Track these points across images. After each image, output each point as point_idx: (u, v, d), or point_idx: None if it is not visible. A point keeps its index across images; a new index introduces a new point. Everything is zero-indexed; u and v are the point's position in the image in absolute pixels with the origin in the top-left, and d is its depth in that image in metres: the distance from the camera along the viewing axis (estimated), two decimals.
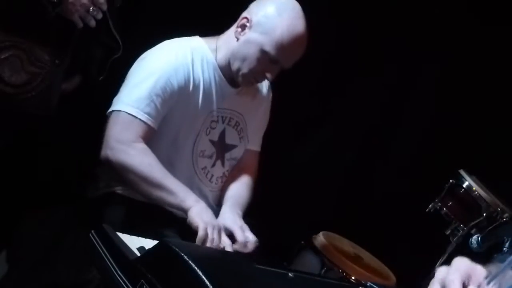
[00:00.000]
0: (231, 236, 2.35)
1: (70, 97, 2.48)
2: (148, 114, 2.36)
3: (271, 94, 2.77)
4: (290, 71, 2.52)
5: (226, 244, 2.25)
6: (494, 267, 1.46)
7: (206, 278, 1.74)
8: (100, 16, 2.31)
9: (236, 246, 2.33)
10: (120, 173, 2.36)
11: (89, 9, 2.29)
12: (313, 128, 3.68)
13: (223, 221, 2.42)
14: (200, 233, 2.22)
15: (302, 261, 2.98)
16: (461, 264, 1.48)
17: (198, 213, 2.29)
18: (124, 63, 2.53)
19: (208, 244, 2.22)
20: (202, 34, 2.55)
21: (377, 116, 3.82)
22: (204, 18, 2.89)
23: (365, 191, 3.82)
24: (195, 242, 2.24)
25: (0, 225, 2.64)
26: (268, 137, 2.82)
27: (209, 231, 2.25)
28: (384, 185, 3.79)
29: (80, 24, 2.30)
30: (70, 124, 2.61)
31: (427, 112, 3.77)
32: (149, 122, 2.36)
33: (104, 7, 2.31)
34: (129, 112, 2.34)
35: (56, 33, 2.32)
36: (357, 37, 3.52)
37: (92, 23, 2.30)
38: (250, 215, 2.59)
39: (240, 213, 2.51)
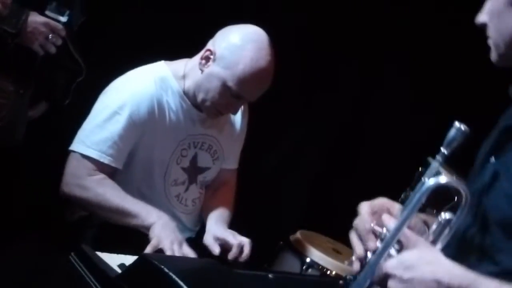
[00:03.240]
0: (224, 249, 2.39)
1: (38, 123, 2.53)
2: (110, 155, 2.37)
3: (247, 108, 2.74)
4: None
5: (188, 254, 2.28)
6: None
7: (187, 286, 1.76)
8: (59, 42, 2.34)
9: (233, 252, 2.37)
10: (80, 206, 2.41)
11: (48, 36, 2.33)
12: (283, 133, 3.72)
13: (214, 233, 2.46)
14: (152, 243, 2.25)
15: (282, 262, 2.99)
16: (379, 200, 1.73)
17: (159, 229, 2.32)
18: (90, 84, 2.56)
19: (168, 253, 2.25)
20: (167, 56, 2.55)
21: (346, 116, 3.86)
22: (168, 37, 2.95)
23: (338, 187, 3.83)
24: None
25: None
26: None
27: (166, 243, 2.27)
28: (356, 181, 3.78)
29: (41, 52, 2.34)
30: (41, 150, 2.65)
31: (393, 110, 3.80)
32: (112, 163, 2.38)
33: (63, 33, 2.35)
34: (90, 155, 2.35)
35: (17, 63, 2.36)
36: (318, 45, 3.56)
37: (53, 50, 2.33)
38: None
39: (226, 226, 2.55)
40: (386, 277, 1.50)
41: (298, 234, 3.00)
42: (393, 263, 1.50)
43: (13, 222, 2.70)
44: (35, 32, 2.31)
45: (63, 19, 2.38)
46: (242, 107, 2.62)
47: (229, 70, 2.34)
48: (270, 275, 2.19)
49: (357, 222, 1.67)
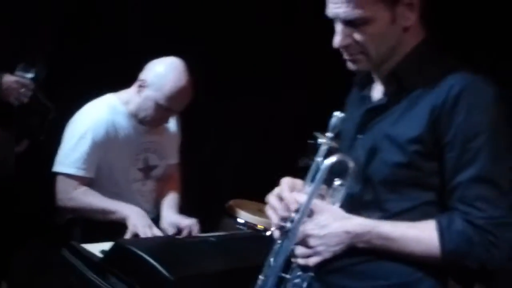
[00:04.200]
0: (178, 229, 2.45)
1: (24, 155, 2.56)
2: (84, 169, 2.40)
3: (177, 116, 2.74)
4: None
5: (157, 234, 2.36)
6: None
7: (151, 258, 1.89)
8: (30, 94, 2.38)
9: (184, 233, 2.42)
10: (73, 213, 2.46)
11: (20, 90, 2.38)
12: (211, 128, 3.72)
13: (168, 219, 2.50)
14: (130, 229, 2.34)
15: (222, 226, 2.97)
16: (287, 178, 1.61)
17: (134, 219, 2.38)
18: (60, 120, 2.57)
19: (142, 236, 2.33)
20: (111, 89, 2.60)
21: (256, 110, 3.78)
22: (107, 75, 2.92)
23: (257, 166, 3.77)
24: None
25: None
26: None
27: (140, 229, 2.33)
28: (268, 159, 3.74)
29: (16, 103, 2.38)
30: (29, 174, 2.66)
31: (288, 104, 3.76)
32: (87, 175, 2.41)
33: (32, 87, 2.39)
34: (69, 172, 2.38)
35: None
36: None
37: (25, 100, 2.38)
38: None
39: (176, 211, 2.60)
40: (306, 237, 1.49)
41: (230, 202, 3.03)
42: (310, 226, 1.49)
43: (16, 231, 2.68)
44: (9, 89, 2.35)
45: (30, 75, 2.40)
46: (174, 118, 2.68)
47: (159, 92, 2.38)
48: (212, 238, 2.30)
49: (271, 198, 1.58)
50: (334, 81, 2.18)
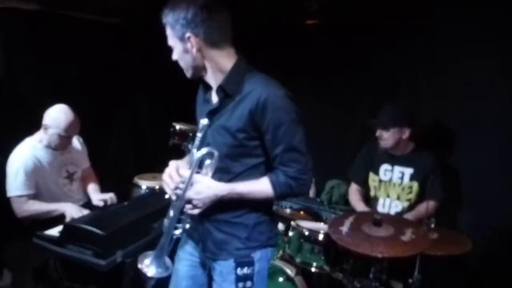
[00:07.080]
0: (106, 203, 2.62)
1: None
2: (27, 189, 2.55)
3: (79, 137, 2.85)
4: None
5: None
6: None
7: (88, 225, 2.12)
8: None
9: (109, 201, 2.62)
10: (30, 217, 2.58)
11: None
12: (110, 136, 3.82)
13: (95, 197, 2.68)
14: (68, 218, 2.50)
15: (134, 194, 3.17)
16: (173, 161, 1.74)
17: (68, 210, 2.54)
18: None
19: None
20: (28, 134, 2.68)
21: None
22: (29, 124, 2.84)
23: (144, 149, 3.91)
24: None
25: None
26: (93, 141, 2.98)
27: (74, 214, 2.51)
28: (150, 144, 3.92)
29: None
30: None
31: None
32: (30, 192, 2.55)
33: None
34: (18, 194, 2.53)
35: None
36: None
37: None
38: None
39: (99, 192, 2.79)
40: (189, 201, 1.63)
41: (135, 178, 3.27)
42: (190, 193, 1.62)
43: (10, 232, 2.71)
44: None
45: None
46: (75, 137, 2.84)
47: (58, 128, 2.59)
48: (125, 203, 2.59)
49: (164, 176, 1.68)
50: (182, 89, 2.24)
